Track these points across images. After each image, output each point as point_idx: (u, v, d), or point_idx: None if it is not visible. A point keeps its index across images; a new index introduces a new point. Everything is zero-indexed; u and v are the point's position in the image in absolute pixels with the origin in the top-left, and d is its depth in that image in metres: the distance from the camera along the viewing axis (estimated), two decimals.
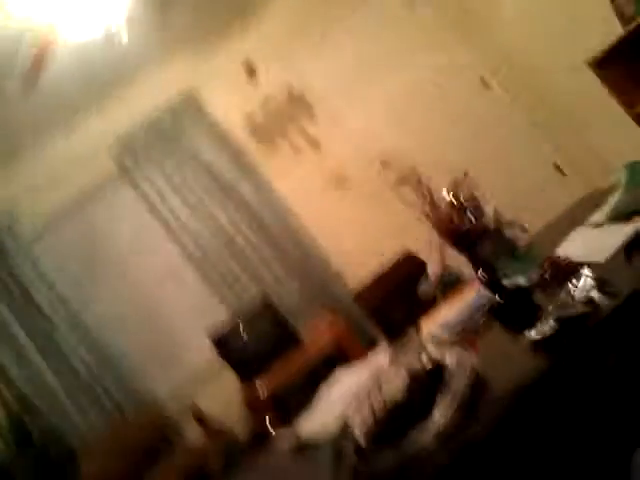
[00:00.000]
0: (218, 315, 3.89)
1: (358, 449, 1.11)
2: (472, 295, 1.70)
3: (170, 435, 3.52)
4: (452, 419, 1.04)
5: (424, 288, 4.03)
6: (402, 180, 3.56)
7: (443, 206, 1.55)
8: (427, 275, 4.05)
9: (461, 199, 1.51)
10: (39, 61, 2.56)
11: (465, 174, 1.56)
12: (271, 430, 3.17)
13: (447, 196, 1.52)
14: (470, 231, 1.48)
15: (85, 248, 4.08)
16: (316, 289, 4.05)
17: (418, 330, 1.86)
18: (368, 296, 4.03)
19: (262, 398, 3.33)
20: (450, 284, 2.04)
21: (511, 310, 1.41)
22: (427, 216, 1.56)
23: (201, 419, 3.43)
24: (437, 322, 1.84)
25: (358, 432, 1.16)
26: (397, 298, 3.98)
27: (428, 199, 1.54)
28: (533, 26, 3.70)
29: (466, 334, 1.51)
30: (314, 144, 4.22)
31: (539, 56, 3.83)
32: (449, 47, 4.19)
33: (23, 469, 2.68)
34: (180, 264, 4.06)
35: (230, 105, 4.11)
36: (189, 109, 4.04)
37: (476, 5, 4.09)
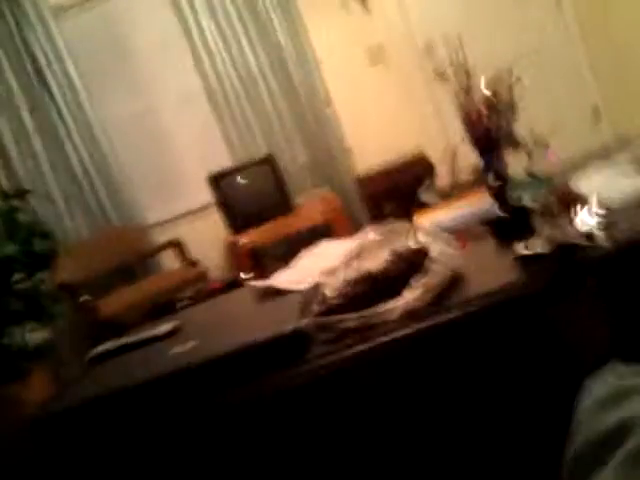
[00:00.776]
0: (222, 160, 3.88)
1: (325, 304, 1.15)
2: (476, 202, 1.69)
3: (148, 257, 3.63)
4: (422, 302, 1.07)
5: (425, 195, 4.02)
6: (443, 67, 3.42)
7: (477, 99, 1.48)
8: (431, 182, 4.04)
9: (498, 98, 1.44)
10: None
11: (510, 72, 1.47)
12: (244, 276, 3.29)
13: (484, 89, 1.45)
14: (496, 134, 1.44)
15: (106, 43, 3.90)
16: (322, 161, 4.01)
17: (412, 222, 1.87)
18: (370, 184, 4.02)
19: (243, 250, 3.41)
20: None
21: (508, 225, 1.41)
22: (459, 105, 1.49)
23: (181, 250, 3.53)
24: (433, 220, 1.85)
25: (329, 292, 1.19)
26: (397, 194, 3.99)
27: (465, 87, 1.47)
28: None
29: (459, 236, 1.52)
30: (365, 6, 3.98)
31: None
32: None
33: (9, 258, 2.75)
34: (197, 94, 3.95)
35: None
36: None
37: None
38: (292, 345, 1.04)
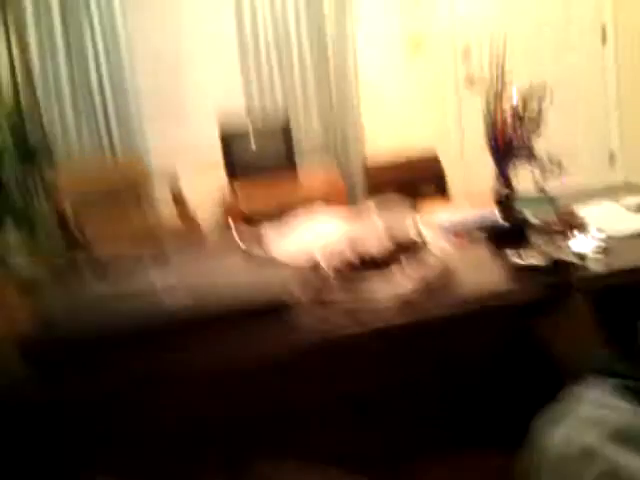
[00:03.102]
0: (237, 109, 3.85)
1: (323, 281, 1.17)
2: (479, 207, 1.71)
3: (144, 191, 3.58)
4: (416, 293, 1.09)
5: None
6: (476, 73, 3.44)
7: (505, 107, 1.49)
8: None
9: (526, 109, 1.45)
10: None
11: (543, 85, 1.48)
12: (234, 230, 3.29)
13: (515, 99, 1.46)
14: (516, 144, 1.45)
15: None
16: (334, 137, 4.00)
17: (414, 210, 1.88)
18: (377, 174, 4.02)
19: (240, 208, 3.41)
20: None
21: (506, 234, 1.43)
22: (487, 109, 1.50)
23: (178, 197, 3.50)
24: (435, 219, 1.87)
25: (326, 266, 1.21)
26: (402, 190, 3.99)
27: (497, 93, 1.47)
28: None
29: (457, 235, 1.54)
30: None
31: None
32: None
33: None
34: (229, 40, 3.90)
35: None
36: None
37: None
38: (281, 312, 1.06)
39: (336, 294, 1.10)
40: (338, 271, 1.19)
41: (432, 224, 1.33)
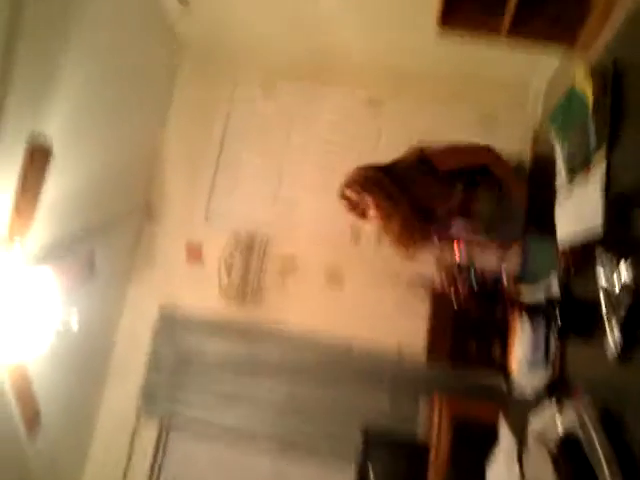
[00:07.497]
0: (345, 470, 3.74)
1: None
2: (524, 329, 1.67)
3: None
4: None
5: None
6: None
7: (446, 283, 1.55)
8: None
9: (458, 269, 1.52)
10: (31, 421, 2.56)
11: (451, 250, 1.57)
12: None
13: (444, 275, 1.53)
14: (485, 289, 1.48)
15: None
16: (397, 384, 3.93)
17: (509, 370, 1.82)
18: (437, 347, 3.93)
19: None
20: None
21: (572, 319, 1.39)
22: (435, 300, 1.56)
23: None
24: (517, 358, 1.80)
25: None
26: (462, 330, 3.89)
27: (435, 286, 1.55)
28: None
29: (552, 362, 1.48)
30: (291, 269, 4.25)
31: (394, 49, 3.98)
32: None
33: None
34: (269, 462, 3.96)
35: (202, 295, 4.20)
36: (174, 325, 4.14)
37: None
38: None
39: None
40: None
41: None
